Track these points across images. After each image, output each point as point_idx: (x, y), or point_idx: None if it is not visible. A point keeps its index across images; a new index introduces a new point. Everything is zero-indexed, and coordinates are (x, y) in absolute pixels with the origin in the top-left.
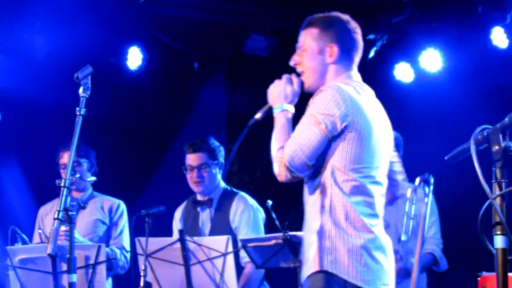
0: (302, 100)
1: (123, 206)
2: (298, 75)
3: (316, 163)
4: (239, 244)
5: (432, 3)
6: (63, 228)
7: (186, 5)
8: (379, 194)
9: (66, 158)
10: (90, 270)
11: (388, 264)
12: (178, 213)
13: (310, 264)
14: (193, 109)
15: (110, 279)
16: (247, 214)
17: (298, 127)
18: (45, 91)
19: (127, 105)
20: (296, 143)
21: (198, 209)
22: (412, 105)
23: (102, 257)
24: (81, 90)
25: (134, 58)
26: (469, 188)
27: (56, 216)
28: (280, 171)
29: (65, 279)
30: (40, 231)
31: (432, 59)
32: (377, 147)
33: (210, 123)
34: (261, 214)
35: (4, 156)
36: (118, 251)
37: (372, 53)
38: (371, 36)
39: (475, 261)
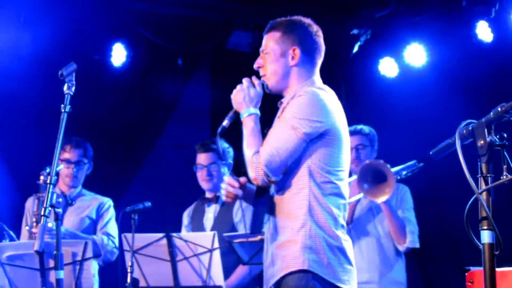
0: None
1: (110, 203)
2: (260, 78)
3: (290, 165)
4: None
5: None
6: (50, 225)
7: (169, 1)
8: (348, 195)
9: (68, 153)
10: (77, 267)
11: (354, 266)
12: (186, 213)
13: (288, 263)
14: (177, 105)
15: (96, 275)
16: (250, 211)
17: (273, 131)
18: (29, 87)
19: (111, 102)
20: (273, 147)
21: (205, 205)
22: (396, 100)
23: (89, 254)
24: (65, 87)
25: (118, 54)
26: (454, 181)
27: (42, 213)
28: (256, 175)
29: (52, 276)
30: (27, 227)
31: (416, 54)
32: (347, 149)
33: (194, 119)
34: None
35: None
36: (104, 237)
37: (356, 48)
38: (355, 31)
39: (461, 254)
